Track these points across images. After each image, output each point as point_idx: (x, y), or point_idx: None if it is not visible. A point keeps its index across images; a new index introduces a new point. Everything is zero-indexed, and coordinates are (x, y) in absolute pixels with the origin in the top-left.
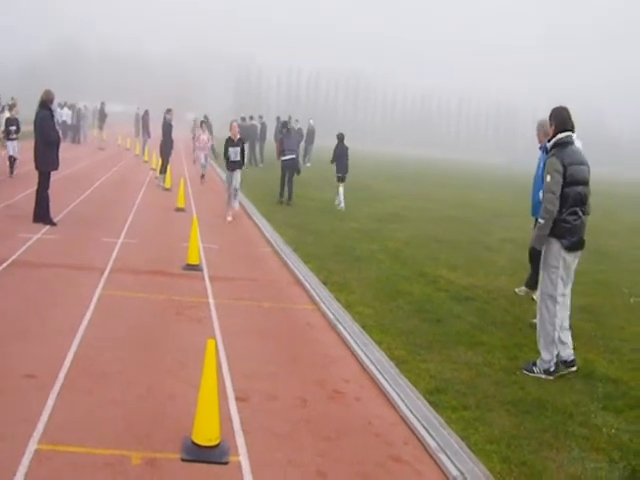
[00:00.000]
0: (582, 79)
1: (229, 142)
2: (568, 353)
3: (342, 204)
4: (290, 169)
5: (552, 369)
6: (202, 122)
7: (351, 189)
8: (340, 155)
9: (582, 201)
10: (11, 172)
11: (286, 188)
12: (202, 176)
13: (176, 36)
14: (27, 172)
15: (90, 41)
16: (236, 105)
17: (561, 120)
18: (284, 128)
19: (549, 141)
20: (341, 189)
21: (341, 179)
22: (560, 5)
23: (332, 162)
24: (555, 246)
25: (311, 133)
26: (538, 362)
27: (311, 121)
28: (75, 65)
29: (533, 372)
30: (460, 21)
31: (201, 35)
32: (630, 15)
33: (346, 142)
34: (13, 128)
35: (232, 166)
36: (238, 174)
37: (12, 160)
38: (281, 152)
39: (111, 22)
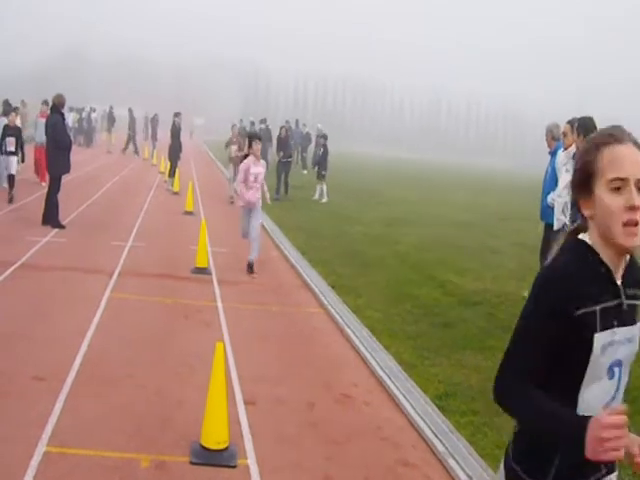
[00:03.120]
0: (583, 81)
1: None
2: None
3: (325, 198)
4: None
5: None
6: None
7: (359, 193)
8: (323, 156)
9: None
10: (11, 199)
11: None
12: (251, 267)
13: (179, 40)
14: (29, 178)
15: (93, 45)
16: (244, 110)
17: (589, 130)
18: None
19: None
20: (325, 186)
21: (323, 177)
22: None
23: (313, 167)
24: None
25: (320, 137)
26: None
27: (319, 125)
28: (79, 69)
29: None
30: (460, 22)
31: (204, 39)
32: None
33: (355, 146)
34: (10, 139)
35: None
36: None
37: (12, 180)
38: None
39: (114, 26)
